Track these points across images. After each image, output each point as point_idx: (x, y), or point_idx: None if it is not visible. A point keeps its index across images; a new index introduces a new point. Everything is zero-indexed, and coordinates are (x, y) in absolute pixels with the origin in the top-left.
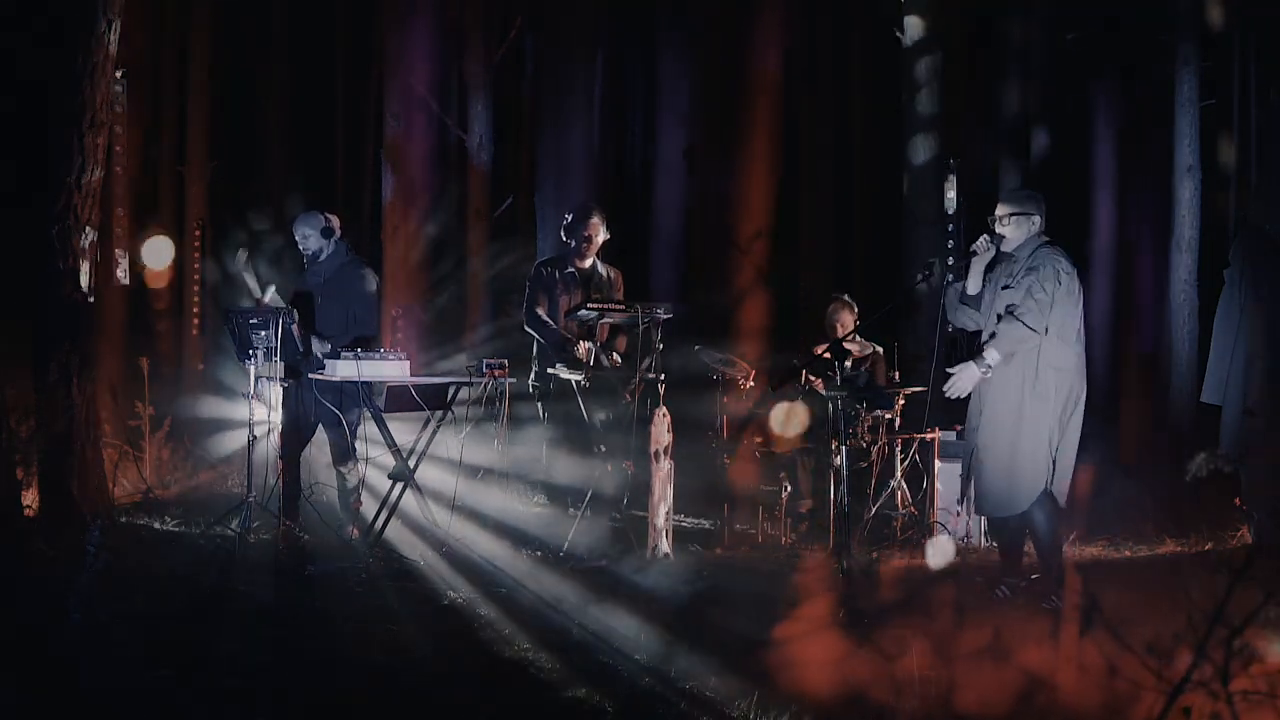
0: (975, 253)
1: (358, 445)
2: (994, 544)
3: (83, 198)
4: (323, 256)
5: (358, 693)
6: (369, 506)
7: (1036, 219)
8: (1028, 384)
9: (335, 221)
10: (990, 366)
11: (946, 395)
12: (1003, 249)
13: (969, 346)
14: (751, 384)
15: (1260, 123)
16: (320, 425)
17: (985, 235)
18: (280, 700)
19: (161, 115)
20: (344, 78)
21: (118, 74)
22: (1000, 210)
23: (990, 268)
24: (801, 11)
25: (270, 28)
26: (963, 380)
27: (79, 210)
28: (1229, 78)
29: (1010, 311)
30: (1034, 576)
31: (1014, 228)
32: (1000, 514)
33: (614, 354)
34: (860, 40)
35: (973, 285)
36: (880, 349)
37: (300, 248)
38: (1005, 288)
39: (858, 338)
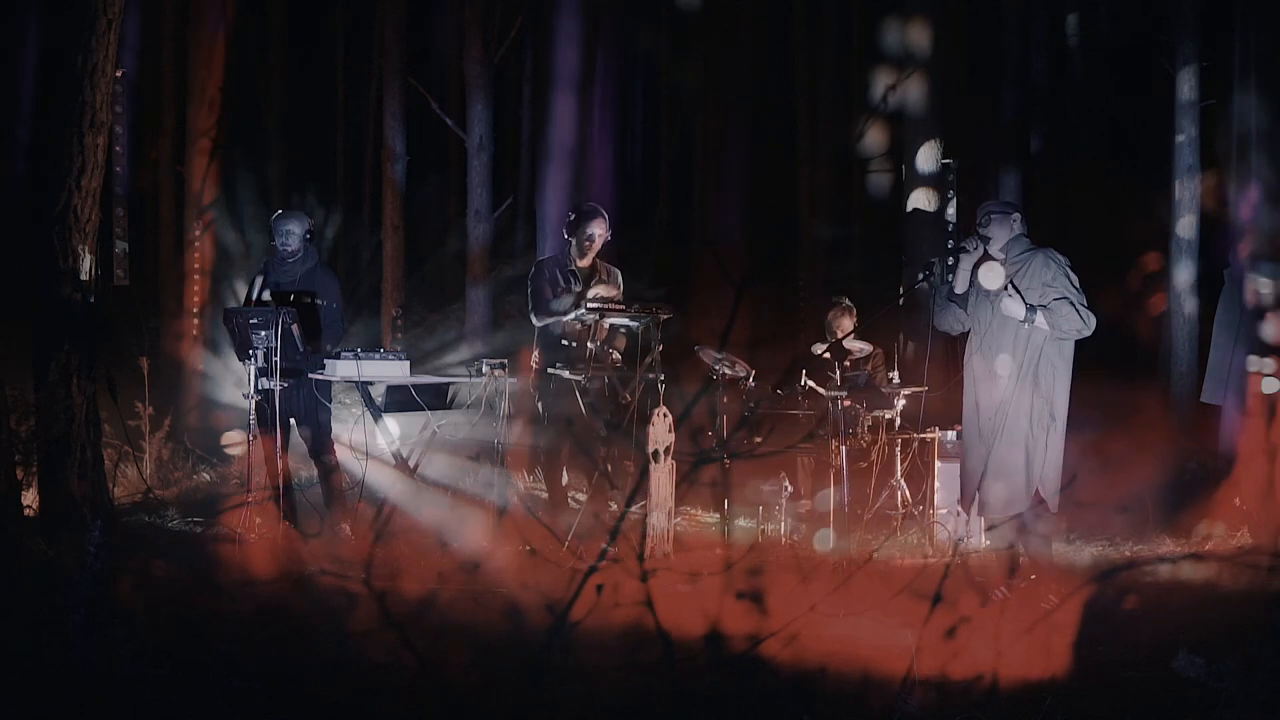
0: (965, 250)
1: (358, 444)
2: (994, 544)
3: (82, 198)
4: (297, 257)
5: (357, 693)
6: (368, 507)
7: (1016, 216)
8: (1044, 381)
9: (313, 227)
10: (1031, 321)
11: (978, 279)
12: (989, 249)
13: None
14: (752, 384)
15: (1260, 123)
16: (296, 418)
17: (975, 235)
18: (280, 701)
19: (161, 115)
20: (344, 77)
21: (118, 74)
22: (980, 212)
23: (974, 268)
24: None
25: (270, 27)
26: (992, 278)
27: (79, 210)
28: (1229, 78)
29: (1068, 300)
30: (1033, 576)
31: (996, 226)
32: (1013, 511)
33: (614, 353)
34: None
35: (960, 284)
36: (881, 349)
37: (279, 244)
38: (1005, 289)
39: (857, 337)
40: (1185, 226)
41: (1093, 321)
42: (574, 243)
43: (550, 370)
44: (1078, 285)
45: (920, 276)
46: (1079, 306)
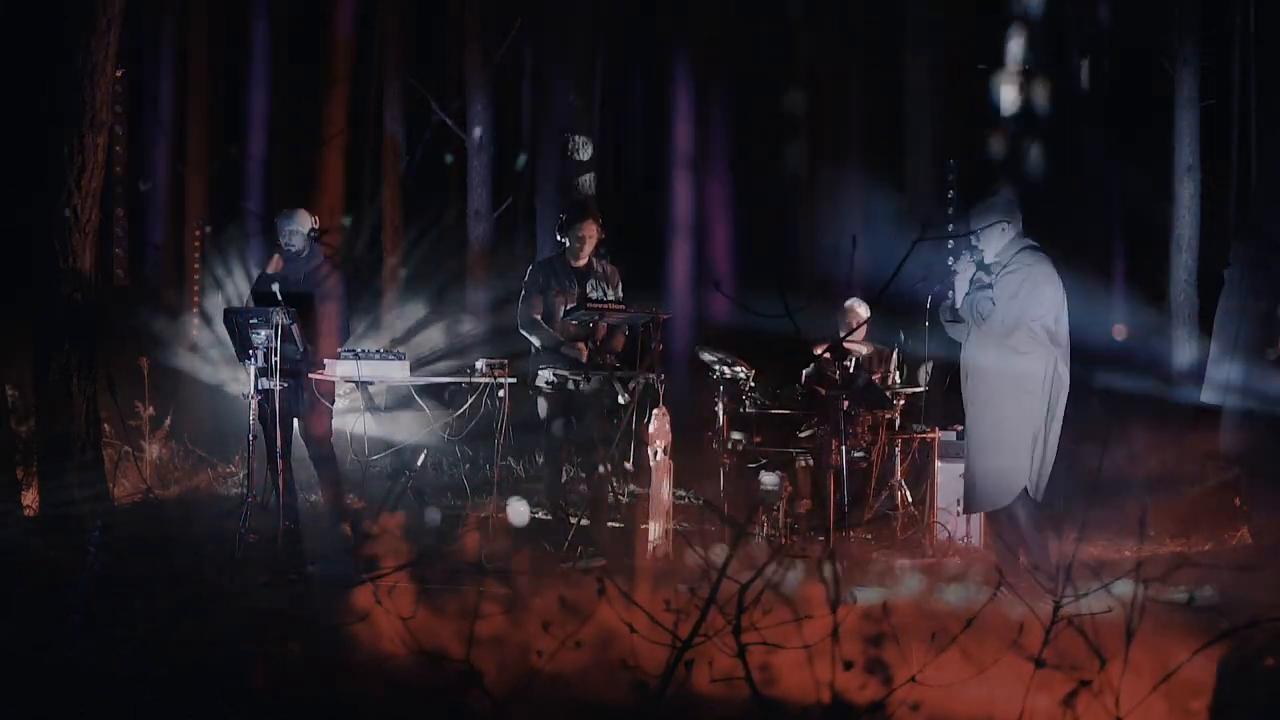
0: (958, 271)
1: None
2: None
3: (82, 198)
4: (302, 256)
5: (357, 693)
6: (368, 507)
7: (1010, 224)
8: (1007, 384)
9: (317, 225)
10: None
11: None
12: (985, 259)
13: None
14: (753, 384)
15: (1260, 123)
16: (297, 418)
17: (965, 251)
18: (280, 700)
19: (162, 115)
20: (344, 78)
21: (118, 74)
22: (974, 225)
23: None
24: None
25: (271, 27)
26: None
27: (79, 211)
28: (1229, 78)
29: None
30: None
31: (992, 240)
32: (980, 509)
33: (611, 354)
34: (864, 44)
35: (958, 300)
36: (885, 349)
37: (284, 243)
38: (984, 287)
39: (861, 338)
40: (1185, 226)
41: (979, 318)
42: (567, 243)
43: (550, 370)
44: (1019, 296)
45: (920, 277)
46: (981, 301)
